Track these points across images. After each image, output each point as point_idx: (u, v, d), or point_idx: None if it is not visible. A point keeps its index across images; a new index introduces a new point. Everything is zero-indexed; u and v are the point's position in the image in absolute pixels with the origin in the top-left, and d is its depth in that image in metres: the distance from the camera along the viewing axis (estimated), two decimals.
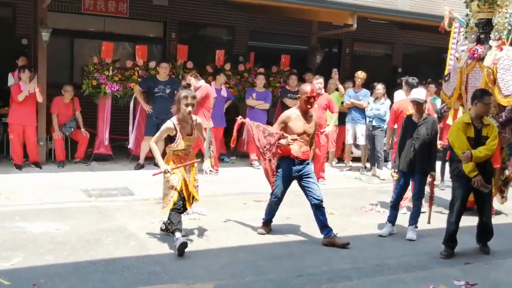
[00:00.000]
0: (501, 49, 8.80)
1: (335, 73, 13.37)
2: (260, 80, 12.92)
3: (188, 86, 6.95)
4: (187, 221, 7.96)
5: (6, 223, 7.47)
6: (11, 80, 11.30)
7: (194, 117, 6.94)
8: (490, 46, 8.91)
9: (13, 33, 13.37)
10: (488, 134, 7.07)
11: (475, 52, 9.01)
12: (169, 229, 6.88)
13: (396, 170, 7.97)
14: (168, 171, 6.69)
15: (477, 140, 7.04)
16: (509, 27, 8.95)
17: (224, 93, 12.39)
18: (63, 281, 5.55)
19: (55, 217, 7.89)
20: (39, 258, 6.19)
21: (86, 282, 5.57)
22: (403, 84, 10.57)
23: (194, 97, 6.80)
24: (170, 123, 6.82)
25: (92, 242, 6.83)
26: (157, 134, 6.95)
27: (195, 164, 7.12)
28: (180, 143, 6.80)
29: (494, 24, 8.95)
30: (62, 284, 5.47)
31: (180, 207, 6.75)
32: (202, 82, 11.32)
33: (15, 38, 13.27)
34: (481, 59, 8.93)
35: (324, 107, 11.07)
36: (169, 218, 6.78)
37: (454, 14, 9.97)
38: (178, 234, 6.48)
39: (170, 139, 6.95)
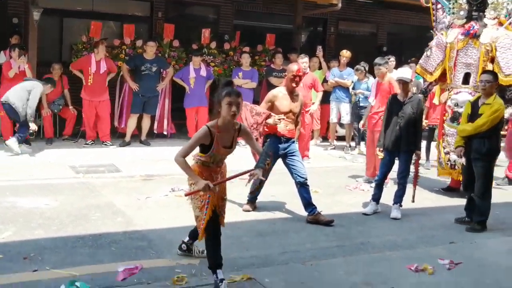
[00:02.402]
0: (497, 29, 8.88)
1: (319, 50, 13.39)
2: (246, 59, 12.94)
3: (230, 83, 5.23)
4: (172, 197, 8.09)
5: None
6: (2, 58, 11.35)
7: (238, 124, 5.26)
8: (485, 24, 8.95)
9: (5, 12, 13.31)
10: (482, 112, 7.40)
11: (471, 28, 9.00)
12: (191, 250, 5.83)
13: (382, 149, 8.03)
14: (210, 188, 4.94)
15: (472, 117, 7.51)
16: (508, 7, 8.97)
17: (203, 72, 12.39)
18: (52, 255, 5.64)
19: (44, 192, 7.99)
20: (29, 232, 6.28)
21: (75, 256, 5.66)
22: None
23: (239, 95, 5.03)
24: (206, 130, 5.04)
25: (80, 218, 6.93)
26: (187, 146, 5.07)
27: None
28: (214, 156, 5.17)
29: (490, 3, 8.98)
30: (52, 258, 5.56)
31: (216, 229, 5.19)
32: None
33: (6, 17, 13.21)
34: (476, 36, 8.96)
35: (309, 86, 11.14)
36: (206, 247, 5.24)
37: None
38: (220, 274, 5.00)
39: (201, 146, 5.17)
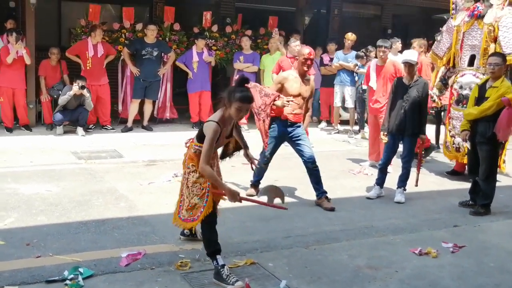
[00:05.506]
0: (502, 9, 8.79)
1: (275, 32, 13.22)
2: (245, 42, 12.84)
3: (245, 81, 5.07)
4: (175, 183, 8.03)
5: None
6: (0, 43, 11.26)
7: None
8: (491, 4, 8.88)
9: None
10: (488, 95, 7.36)
11: (475, 9, 8.94)
12: (195, 234, 5.81)
13: (386, 133, 7.97)
14: (237, 199, 4.95)
15: (479, 100, 7.47)
16: None
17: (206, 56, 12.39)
18: (55, 241, 5.62)
19: (46, 179, 7.96)
20: (31, 219, 6.27)
21: (78, 242, 5.64)
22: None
23: (251, 102, 5.05)
24: (217, 127, 4.89)
25: (83, 204, 6.91)
26: (206, 150, 4.85)
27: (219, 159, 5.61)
28: (215, 147, 5.15)
29: None
30: (55, 244, 5.54)
31: (215, 218, 5.15)
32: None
33: (3, 1, 13.08)
34: (480, 17, 8.89)
35: None
36: (203, 235, 5.14)
37: None
38: (220, 260, 4.94)
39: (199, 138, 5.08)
